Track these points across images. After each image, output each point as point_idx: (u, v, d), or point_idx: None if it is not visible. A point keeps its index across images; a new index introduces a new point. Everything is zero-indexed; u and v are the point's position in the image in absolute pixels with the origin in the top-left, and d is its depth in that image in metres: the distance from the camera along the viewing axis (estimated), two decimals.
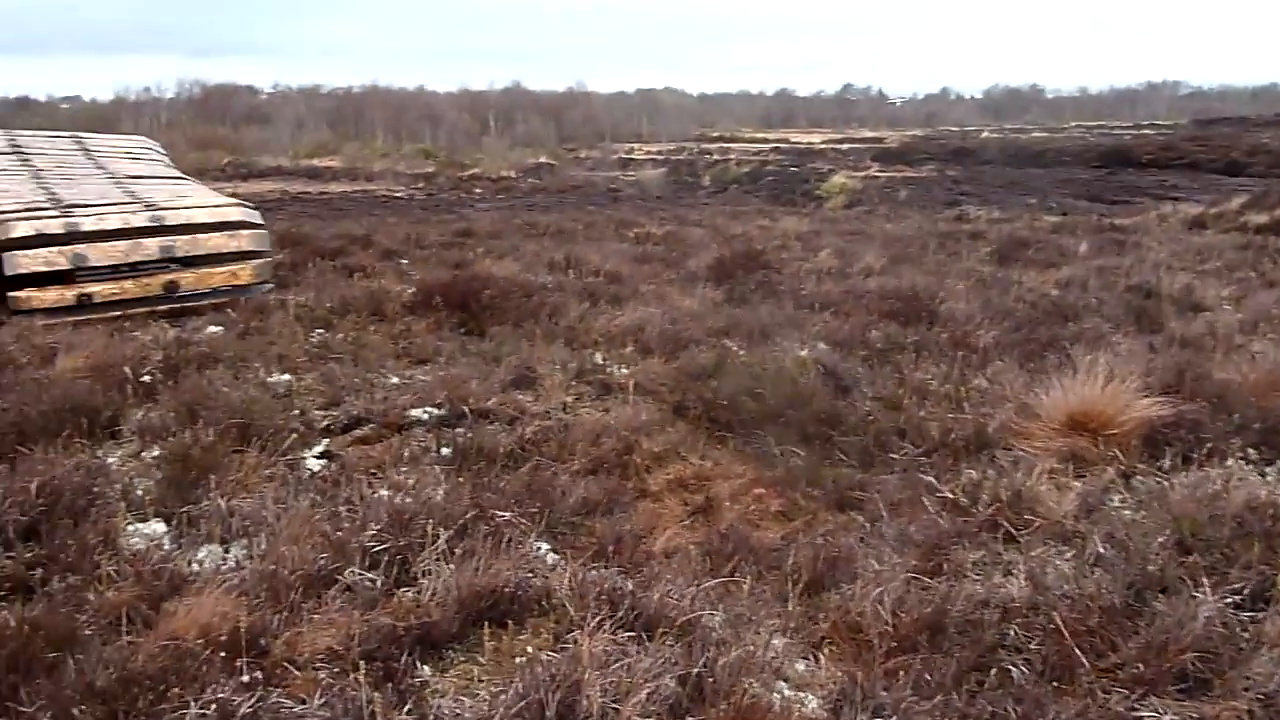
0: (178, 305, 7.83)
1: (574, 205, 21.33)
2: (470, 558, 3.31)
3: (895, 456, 4.68)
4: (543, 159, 41.40)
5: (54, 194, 7.96)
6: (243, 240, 8.16)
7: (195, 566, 3.59)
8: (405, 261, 10.62)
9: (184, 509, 3.96)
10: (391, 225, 15.05)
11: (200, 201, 8.25)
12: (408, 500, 3.81)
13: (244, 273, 8.12)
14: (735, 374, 5.47)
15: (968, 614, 3.17)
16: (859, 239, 13.24)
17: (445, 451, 4.82)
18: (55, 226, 7.38)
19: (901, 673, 2.90)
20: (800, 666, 3.05)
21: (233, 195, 23.60)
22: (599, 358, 6.30)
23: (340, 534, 3.48)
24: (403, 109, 54.27)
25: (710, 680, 2.71)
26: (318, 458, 4.68)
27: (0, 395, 5.26)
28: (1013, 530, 3.80)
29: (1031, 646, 3.01)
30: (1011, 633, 3.07)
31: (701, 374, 5.62)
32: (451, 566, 3.29)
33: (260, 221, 8.42)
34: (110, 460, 4.65)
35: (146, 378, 5.49)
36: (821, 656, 3.09)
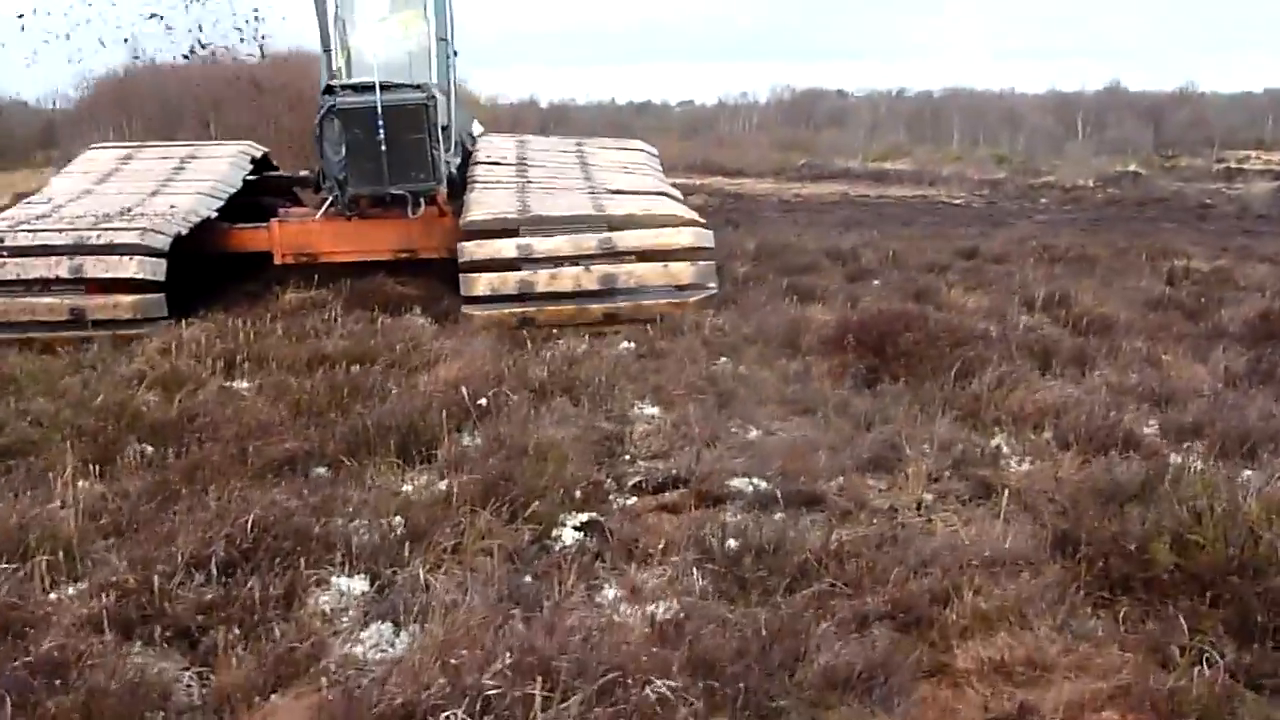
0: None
1: (1139, 222, 18.28)
2: None
3: None
4: (1131, 167, 36.72)
5: (526, 207, 8.26)
6: (690, 306, 7.86)
7: (350, 649, 3.16)
8: (877, 283, 9.58)
9: (391, 569, 3.57)
10: (905, 238, 13.92)
11: (661, 241, 8.02)
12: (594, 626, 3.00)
13: (679, 308, 7.80)
14: (1166, 503, 3.77)
15: None
16: None
17: (731, 544, 3.90)
18: (511, 285, 7.65)
19: None
20: None
21: (796, 196, 24.03)
22: (999, 443, 4.86)
23: (463, 661, 2.77)
24: (983, 111, 51.91)
25: None
26: (577, 529, 4.02)
27: (365, 402, 5.40)
28: None
29: None
30: None
31: (1116, 493, 3.99)
32: None
33: (711, 277, 8.08)
34: (405, 489, 4.46)
35: (483, 401, 5.27)
36: None
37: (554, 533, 3.97)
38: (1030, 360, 6.12)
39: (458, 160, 9.36)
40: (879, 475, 4.59)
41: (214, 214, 8.24)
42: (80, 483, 4.35)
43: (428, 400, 5.23)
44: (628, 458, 4.98)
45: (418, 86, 7.67)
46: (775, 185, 30.15)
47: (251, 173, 9.65)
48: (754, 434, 5.30)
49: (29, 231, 7.39)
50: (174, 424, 4.95)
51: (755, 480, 4.55)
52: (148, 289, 7.26)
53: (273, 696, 2.86)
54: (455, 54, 10.39)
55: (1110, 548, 3.62)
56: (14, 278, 7.18)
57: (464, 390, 5.23)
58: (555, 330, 7.54)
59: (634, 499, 4.54)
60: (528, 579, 3.52)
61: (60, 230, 7.40)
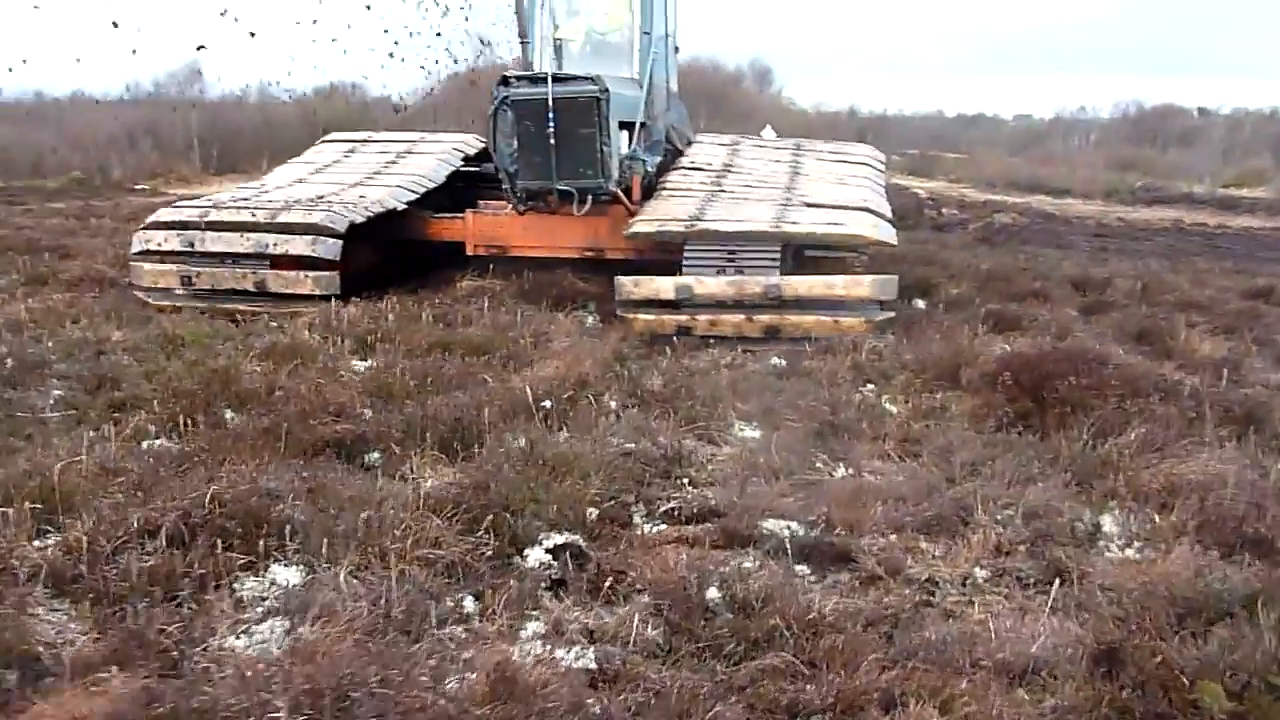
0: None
1: None
2: None
3: None
4: None
5: (700, 217, 7.83)
6: (858, 325, 7.20)
7: (229, 641, 3.02)
8: (1117, 316, 8.29)
9: (325, 564, 3.41)
10: (1199, 271, 12.06)
11: (835, 293, 7.25)
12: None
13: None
14: (1260, 631, 2.84)
15: None
16: None
17: (712, 595, 3.41)
18: (668, 328, 7.21)
19: None
20: None
21: (1119, 220, 21.45)
22: (1104, 520, 3.94)
23: (264, 679, 2.54)
24: None
25: None
26: (548, 551, 3.66)
27: (450, 394, 5.30)
28: None
29: None
30: None
31: (1206, 606, 3.07)
32: None
33: (890, 298, 7.31)
34: (429, 484, 4.31)
35: (547, 403, 5.02)
36: None
37: (526, 551, 3.64)
38: (1225, 425, 4.98)
39: (657, 160, 9.13)
40: (938, 539, 3.86)
41: (402, 206, 8.51)
42: (146, 442, 4.59)
43: (503, 394, 5.06)
44: (684, 480, 4.55)
45: (592, 79, 7.49)
46: (1102, 208, 27.48)
47: (468, 165, 9.96)
48: (840, 473, 4.67)
49: (216, 233, 7.84)
50: (255, 394, 5.11)
51: (792, 525, 3.98)
52: (325, 299, 7.53)
53: (114, 670, 2.77)
54: (676, 50, 10.20)
55: (1155, 675, 2.78)
56: (209, 288, 7.76)
57: (528, 390, 5.01)
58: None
59: (662, 526, 4.12)
60: (447, 601, 3.23)
61: (247, 222, 7.84)
